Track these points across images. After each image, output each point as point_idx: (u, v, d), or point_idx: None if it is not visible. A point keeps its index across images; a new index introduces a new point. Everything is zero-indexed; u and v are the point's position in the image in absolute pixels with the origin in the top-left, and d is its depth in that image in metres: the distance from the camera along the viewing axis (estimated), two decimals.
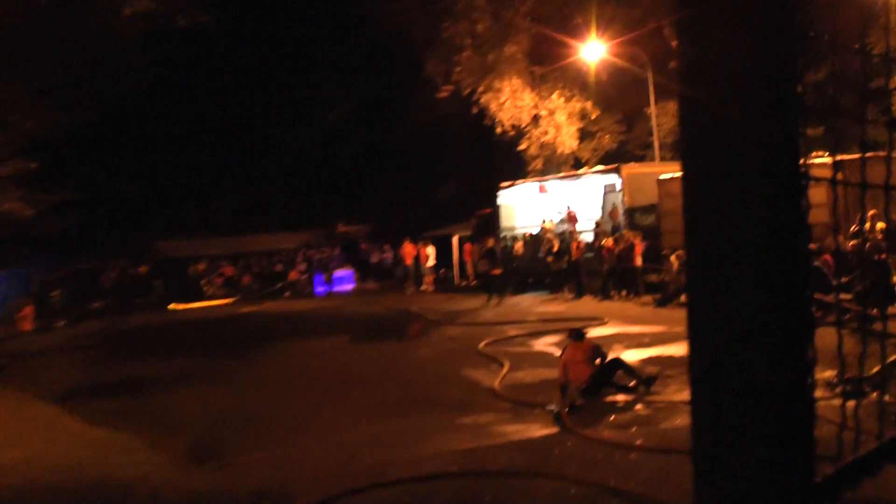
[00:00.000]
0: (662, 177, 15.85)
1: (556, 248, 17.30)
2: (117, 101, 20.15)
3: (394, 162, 35.51)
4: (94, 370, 11.82)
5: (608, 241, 16.20)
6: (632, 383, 7.06)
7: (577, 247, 16.95)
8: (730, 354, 1.28)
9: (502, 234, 21.08)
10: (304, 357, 11.49)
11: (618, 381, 7.13)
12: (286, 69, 36.93)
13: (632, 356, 7.96)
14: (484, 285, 18.05)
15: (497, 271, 17.43)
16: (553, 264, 17.42)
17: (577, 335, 7.43)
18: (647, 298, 14.68)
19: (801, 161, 1.28)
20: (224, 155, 38.29)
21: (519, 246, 19.39)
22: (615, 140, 26.55)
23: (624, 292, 15.71)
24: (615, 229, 17.65)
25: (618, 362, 7.24)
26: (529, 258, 19.35)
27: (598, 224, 18.24)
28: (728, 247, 1.20)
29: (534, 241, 19.87)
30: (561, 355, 7.24)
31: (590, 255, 17.14)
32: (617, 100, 24.69)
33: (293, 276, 26.73)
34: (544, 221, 20.69)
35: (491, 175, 25.01)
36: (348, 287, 26.01)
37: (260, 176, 38.67)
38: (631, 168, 18.20)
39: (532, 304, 16.60)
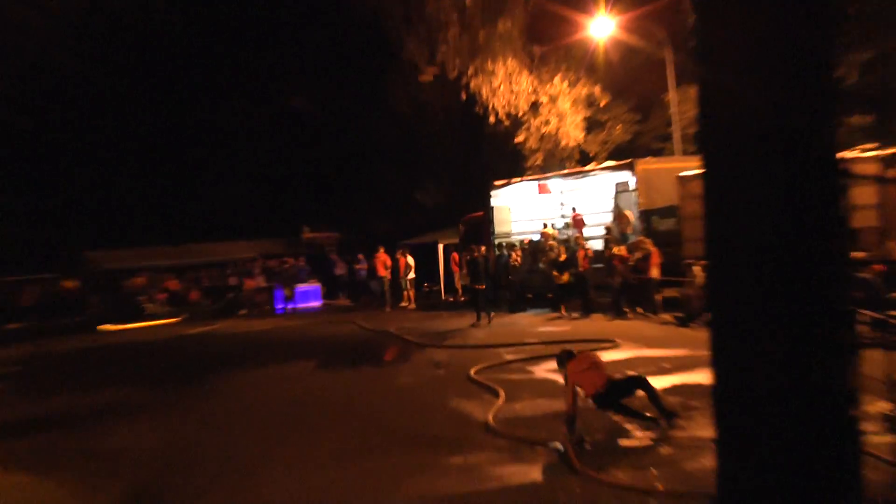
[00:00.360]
0: (684, 174, 15.91)
1: (562, 257, 17.35)
2: (46, 93, 19.99)
3: (369, 159, 35.55)
4: (12, 403, 11.66)
5: (620, 250, 16.26)
6: (649, 413, 7.04)
7: (584, 256, 17.00)
8: (758, 382, 1.27)
9: (496, 242, 21.13)
10: (263, 386, 11.40)
11: (632, 407, 7.10)
12: (243, 55, 36.92)
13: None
14: (473, 301, 18.08)
15: (481, 286, 17.38)
16: (556, 277, 17.48)
17: (567, 355, 7.40)
18: (667, 317, 14.75)
19: (841, 155, 1.28)
20: (168, 153, 38.16)
21: (516, 255, 19.45)
22: (628, 131, 26.75)
23: (639, 309, 15.77)
24: (624, 237, 17.75)
25: (641, 381, 7.19)
26: (528, 269, 19.43)
27: (608, 229, 18.33)
28: (754, 255, 1.19)
29: (533, 250, 19.94)
30: (566, 381, 7.21)
31: (599, 265, 17.23)
32: (630, 84, 24.89)
33: (248, 287, 26.68)
34: (545, 226, 20.79)
35: (482, 173, 25.11)
36: (315, 304, 26.00)
37: (211, 176, 38.56)
38: (647, 163, 18.27)
39: (531, 322, 16.61)
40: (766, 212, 1.19)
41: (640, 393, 7.10)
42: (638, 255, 15.72)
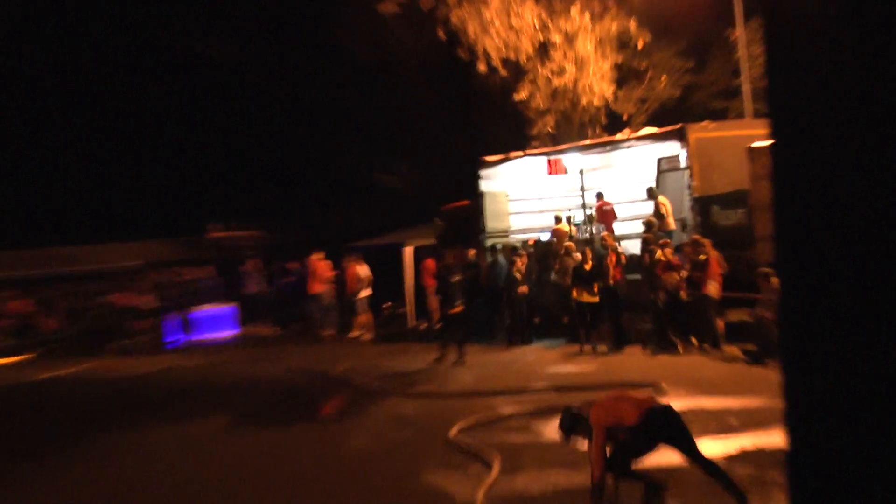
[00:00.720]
0: (757, 145, 15.93)
1: (587, 266, 17.21)
2: None
3: (310, 128, 35.28)
4: None
5: (666, 254, 16.28)
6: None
7: (616, 263, 17.00)
8: (849, 445, 1.25)
9: (488, 243, 21.10)
10: (151, 456, 11.29)
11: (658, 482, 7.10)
12: None
13: (710, 450, 7.95)
14: (446, 329, 17.90)
15: (456, 308, 17.28)
16: (577, 293, 17.38)
17: (575, 418, 7.33)
18: (734, 350, 14.81)
19: None
20: (9, 116, 37.75)
21: (521, 262, 19.35)
22: (677, 84, 26.81)
23: (694, 340, 15.79)
24: (669, 235, 17.73)
25: (690, 442, 7.13)
26: (535, 282, 19.38)
27: (648, 224, 18.35)
28: (843, 259, 1.18)
29: (541, 255, 19.90)
30: (590, 438, 7.15)
31: (635, 276, 17.24)
32: (680, 17, 24.94)
33: (122, 305, 26.51)
34: (559, 221, 20.78)
35: (469, 145, 25.04)
36: (227, 333, 25.85)
37: (75, 150, 38.19)
38: (704, 130, 18.32)
39: (539, 359, 16.62)
40: (862, 196, 1.18)
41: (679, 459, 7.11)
42: (693, 258, 15.71)
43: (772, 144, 1.32)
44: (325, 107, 33.72)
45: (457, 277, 17.44)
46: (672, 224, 18.45)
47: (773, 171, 1.21)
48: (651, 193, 19.14)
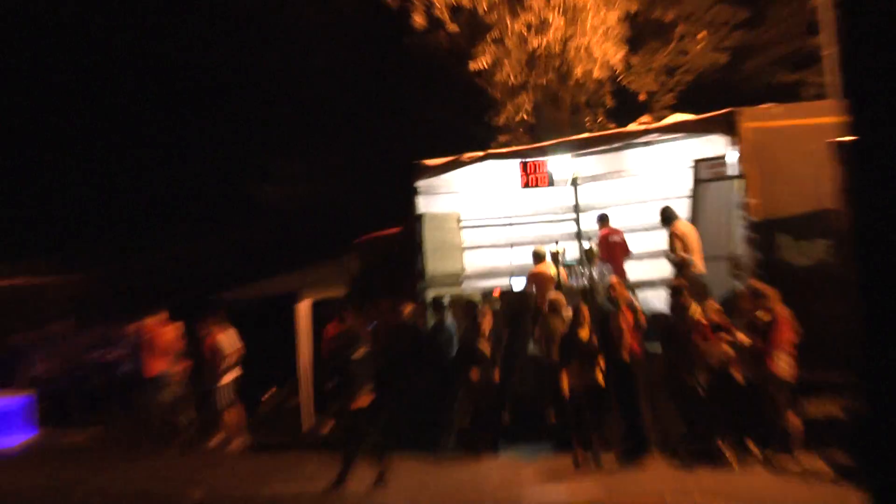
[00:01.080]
0: (844, 139, 15.87)
1: (585, 330, 17.07)
2: None
3: (146, 114, 35.39)
4: None
5: (708, 311, 16.26)
6: None
7: (633, 325, 16.94)
8: None
9: (429, 295, 21.01)
10: None
11: None
12: None
13: None
14: (351, 432, 17.62)
15: (360, 400, 16.96)
16: (570, 373, 17.28)
17: None
18: (816, 461, 14.76)
19: None
20: None
21: (486, 326, 19.18)
22: (719, 47, 26.90)
23: (752, 446, 15.75)
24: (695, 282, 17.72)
25: None
26: (504, 356, 19.27)
27: (681, 264, 18.37)
28: None
29: (513, 314, 19.84)
30: None
31: (654, 343, 17.17)
32: None
33: None
34: (540, 259, 20.72)
35: (399, 142, 25.14)
36: (16, 440, 25.56)
37: None
38: (764, 118, 18.30)
39: (511, 477, 16.61)
40: None
41: None
42: (762, 315, 15.65)
43: (852, 140, 1.19)
44: (174, 79, 33.83)
45: (361, 350, 17.12)
46: (699, 265, 18.37)
47: (849, 180, 1.07)
48: (666, 216, 19.06)
